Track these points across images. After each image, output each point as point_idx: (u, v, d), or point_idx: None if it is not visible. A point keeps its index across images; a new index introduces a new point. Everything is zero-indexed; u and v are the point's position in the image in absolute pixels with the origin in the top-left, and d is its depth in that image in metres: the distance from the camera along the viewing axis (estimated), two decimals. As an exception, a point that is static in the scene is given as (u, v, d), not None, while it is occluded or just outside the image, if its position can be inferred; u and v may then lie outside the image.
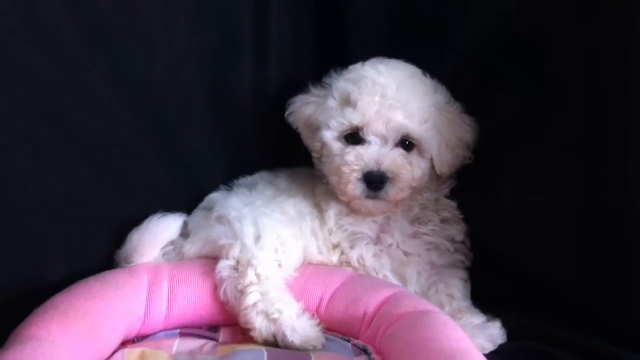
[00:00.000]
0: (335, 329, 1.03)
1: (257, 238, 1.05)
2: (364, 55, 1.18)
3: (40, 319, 0.90)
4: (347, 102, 1.13)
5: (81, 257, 1.06)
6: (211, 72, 1.20)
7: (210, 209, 1.15)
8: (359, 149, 1.11)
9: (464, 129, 1.16)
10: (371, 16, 1.27)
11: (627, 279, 0.97)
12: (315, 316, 1.02)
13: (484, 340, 1.02)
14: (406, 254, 1.14)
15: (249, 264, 1.02)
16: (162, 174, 1.15)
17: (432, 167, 1.14)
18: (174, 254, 1.12)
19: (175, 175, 1.18)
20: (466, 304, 1.11)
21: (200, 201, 1.20)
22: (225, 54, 1.21)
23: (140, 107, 1.09)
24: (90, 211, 1.06)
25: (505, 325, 1.05)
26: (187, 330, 1.03)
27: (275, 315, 0.98)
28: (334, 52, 1.27)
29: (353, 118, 1.11)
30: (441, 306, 1.08)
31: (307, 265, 1.11)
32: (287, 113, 1.20)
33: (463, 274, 1.15)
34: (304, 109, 1.19)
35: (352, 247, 1.14)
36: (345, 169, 1.10)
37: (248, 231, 1.05)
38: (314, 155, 1.19)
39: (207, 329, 1.05)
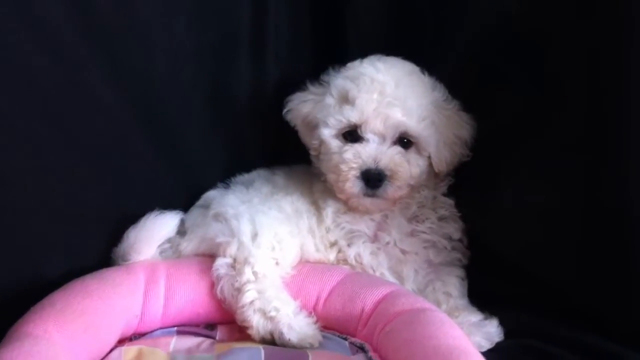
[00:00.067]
0: (332, 326, 1.03)
1: (254, 236, 1.04)
2: (363, 55, 1.17)
3: (37, 317, 0.90)
4: (345, 99, 1.12)
5: (78, 255, 1.06)
6: (210, 72, 1.20)
7: (207, 206, 1.15)
8: (356, 146, 1.11)
9: (462, 127, 1.15)
10: (370, 16, 1.27)
11: (627, 279, 0.97)
12: (312, 314, 1.02)
13: (481, 338, 1.02)
14: (403, 251, 1.14)
15: (245, 261, 1.02)
16: (161, 173, 1.16)
17: (430, 165, 1.14)
18: (171, 251, 1.12)
19: (175, 175, 1.18)
20: (463, 301, 1.12)
21: (198, 200, 1.20)
22: (224, 54, 1.21)
23: (140, 107, 1.10)
24: (89, 210, 1.06)
25: (503, 323, 1.05)
26: (184, 328, 1.03)
27: (272, 313, 0.98)
28: (333, 51, 1.26)
29: (351, 115, 1.11)
30: (438, 304, 1.08)
31: (304, 263, 1.11)
32: (284, 110, 1.20)
33: (460, 272, 1.15)
34: (301, 106, 1.18)
35: (349, 245, 1.13)
36: (343, 167, 1.10)
37: (245, 229, 1.05)
38: (312, 152, 1.19)
39: (204, 327, 1.05)
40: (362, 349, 0.96)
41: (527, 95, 1.09)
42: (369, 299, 1.00)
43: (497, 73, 1.14)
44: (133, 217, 1.09)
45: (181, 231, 1.13)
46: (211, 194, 1.19)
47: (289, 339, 0.97)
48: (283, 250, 1.06)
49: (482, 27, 1.15)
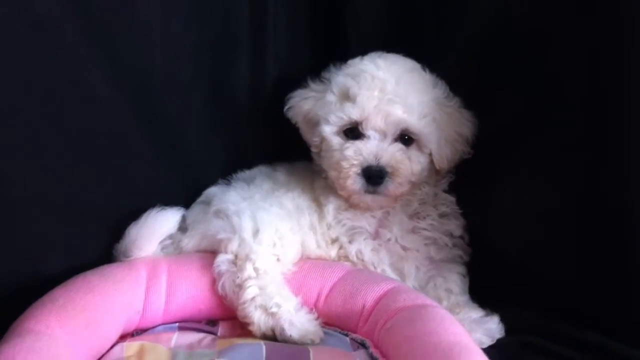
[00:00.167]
0: (334, 323, 1.03)
1: (255, 232, 1.05)
2: (363, 54, 1.17)
3: (39, 313, 0.89)
4: (346, 96, 1.12)
5: (79, 251, 1.05)
6: (210, 72, 1.20)
7: (208, 203, 1.15)
8: (357, 143, 1.11)
9: (463, 124, 1.16)
10: (370, 16, 1.27)
11: (627, 278, 0.98)
12: (314, 310, 1.03)
13: (482, 335, 1.02)
14: (404, 248, 1.14)
15: (247, 258, 1.02)
16: (161, 173, 1.16)
17: (431, 162, 1.14)
18: (172, 247, 1.12)
19: (175, 175, 1.18)
20: (464, 298, 1.12)
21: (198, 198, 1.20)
22: (224, 54, 1.21)
23: (140, 107, 1.09)
24: (89, 210, 1.06)
25: (504, 320, 1.05)
26: (186, 324, 1.04)
27: (274, 309, 0.98)
28: (333, 51, 1.26)
29: (352, 112, 1.11)
30: (439, 300, 1.08)
31: (305, 259, 1.11)
32: (285, 108, 1.19)
33: (461, 269, 1.16)
34: (302, 103, 1.18)
35: (350, 242, 1.14)
36: (344, 164, 1.10)
37: (246, 225, 1.05)
38: (313, 150, 1.19)
39: (206, 323, 1.05)
40: (363, 345, 0.97)
41: (527, 95, 1.09)
42: (370, 296, 1.01)
43: (497, 73, 1.14)
44: (132, 211, 1.09)
45: (182, 227, 1.13)
46: (212, 190, 1.19)
47: (290, 335, 0.97)
48: (284, 246, 1.06)
49: (482, 27, 1.15)
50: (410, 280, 1.13)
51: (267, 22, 1.25)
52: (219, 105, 1.23)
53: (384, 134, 1.11)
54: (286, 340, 0.97)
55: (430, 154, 1.14)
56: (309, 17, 1.31)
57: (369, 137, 1.11)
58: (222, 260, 1.03)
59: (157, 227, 1.08)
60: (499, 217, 1.14)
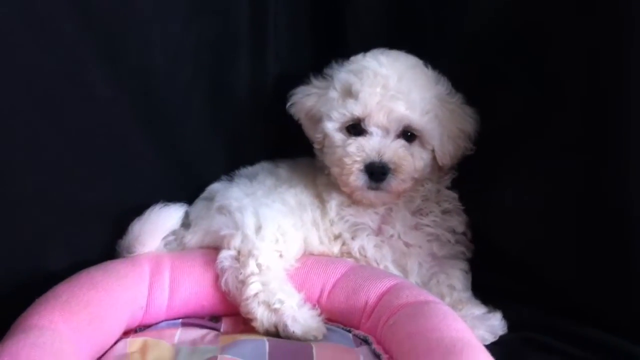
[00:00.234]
0: (336, 319, 1.03)
1: (258, 228, 1.05)
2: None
3: (43, 308, 0.89)
4: (349, 93, 1.12)
5: (83, 247, 1.05)
6: (210, 72, 1.20)
7: (211, 199, 1.15)
8: (360, 139, 1.11)
9: (465, 120, 1.16)
10: (371, 16, 1.27)
11: (627, 278, 0.98)
12: (316, 306, 1.03)
13: (484, 331, 1.03)
14: (407, 244, 1.14)
15: (249, 254, 1.02)
16: (161, 173, 1.16)
17: (434, 158, 1.15)
18: (175, 243, 1.12)
19: (175, 174, 1.18)
20: (467, 294, 1.12)
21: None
22: (224, 54, 1.21)
23: (140, 107, 1.09)
24: (89, 209, 1.06)
25: (506, 317, 1.06)
26: (189, 320, 1.03)
27: (277, 305, 0.98)
28: (333, 51, 1.25)
29: (354, 109, 1.11)
30: (442, 297, 1.08)
31: (308, 255, 1.12)
32: (288, 104, 1.19)
33: (464, 265, 1.16)
34: (305, 100, 1.18)
35: (353, 238, 1.14)
36: (347, 160, 1.10)
37: (249, 221, 1.05)
38: (316, 146, 1.19)
39: (209, 319, 1.05)
40: (365, 341, 0.97)
41: (527, 95, 1.10)
42: (372, 292, 1.01)
43: (497, 73, 1.15)
44: (135, 208, 1.09)
45: (185, 224, 1.13)
46: (215, 186, 1.18)
47: (293, 331, 0.97)
48: (287, 242, 1.06)
49: (482, 27, 1.15)
50: (412, 277, 1.13)
51: (268, 22, 1.25)
52: (219, 105, 1.23)
53: (386, 131, 1.11)
54: (289, 337, 0.97)
55: (433, 151, 1.14)
56: (309, 17, 1.31)
57: (371, 134, 1.11)
58: (225, 257, 1.03)
59: (160, 223, 1.08)
60: (500, 215, 1.14)
